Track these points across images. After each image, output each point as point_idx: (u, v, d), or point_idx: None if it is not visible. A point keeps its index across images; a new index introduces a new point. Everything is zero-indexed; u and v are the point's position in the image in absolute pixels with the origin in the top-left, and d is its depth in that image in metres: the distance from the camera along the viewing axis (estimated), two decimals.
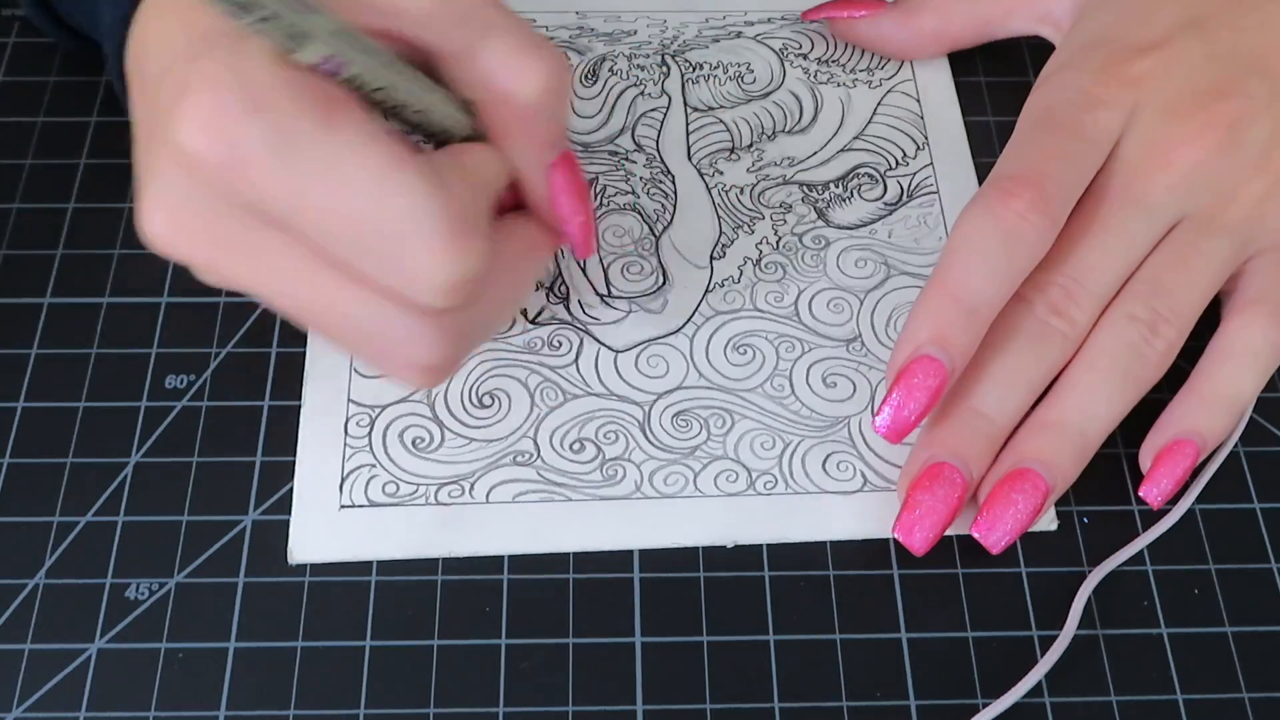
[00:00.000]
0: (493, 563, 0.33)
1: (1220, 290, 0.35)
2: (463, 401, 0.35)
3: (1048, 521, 0.35)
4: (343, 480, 0.34)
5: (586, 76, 0.42)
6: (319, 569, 0.33)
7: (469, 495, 0.34)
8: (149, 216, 0.28)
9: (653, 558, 0.34)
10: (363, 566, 0.33)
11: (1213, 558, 0.34)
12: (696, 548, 0.34)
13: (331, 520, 0.33)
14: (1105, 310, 0.34)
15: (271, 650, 0.32)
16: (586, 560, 0.34)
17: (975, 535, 0.33)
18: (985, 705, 0.32)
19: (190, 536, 0.34)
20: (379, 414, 0.35)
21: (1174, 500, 0.35)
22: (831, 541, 0.34)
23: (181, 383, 0.36)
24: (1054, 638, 0.33)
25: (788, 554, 0.34)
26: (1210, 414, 0.34)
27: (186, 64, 0.27)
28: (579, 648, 0.32)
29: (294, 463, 0.35)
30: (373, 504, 0.34)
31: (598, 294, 0.37)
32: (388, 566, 0.33)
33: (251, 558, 0.33)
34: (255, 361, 0.36)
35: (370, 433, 0.35)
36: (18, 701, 0.31)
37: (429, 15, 0.29)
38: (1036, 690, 0.32)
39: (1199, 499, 0.35)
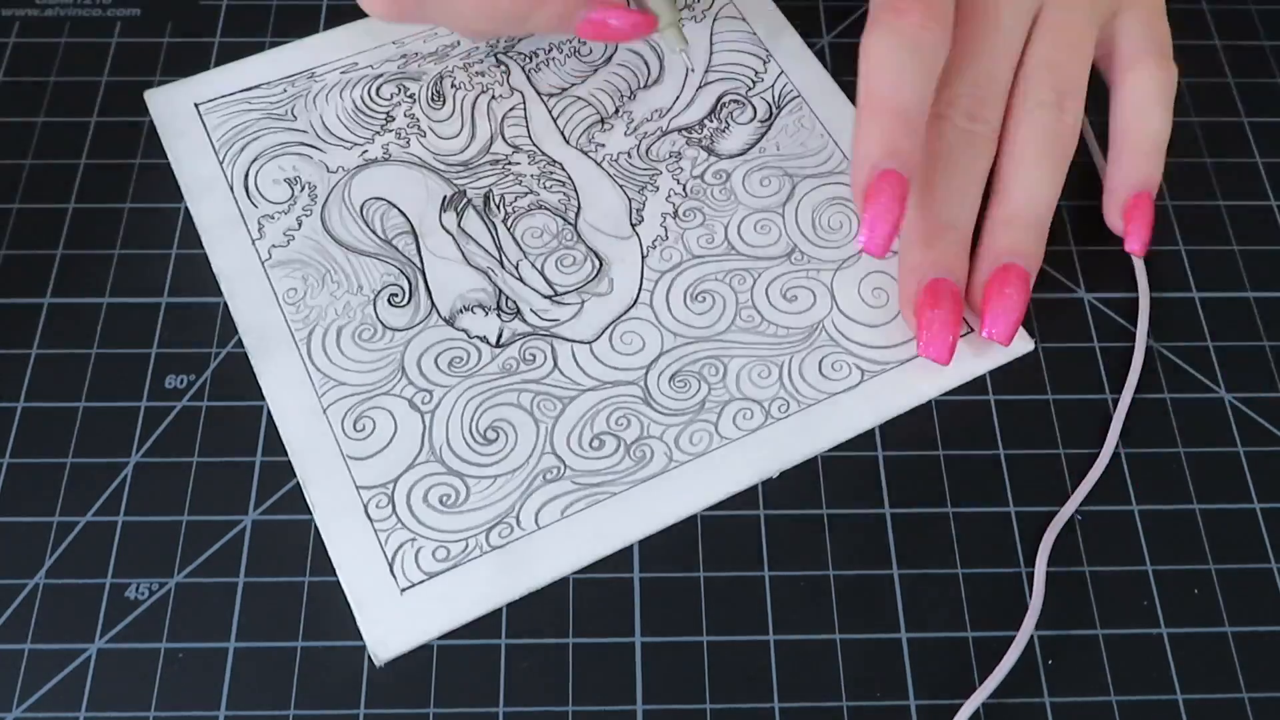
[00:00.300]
0: None
1: (1097, 61, 0.39)
2: (468, 444, 0.35)
3: (1023, 344, 0.37)
4: (390, 564, 0.33)
5: (433, 99, 0.41)
6: (318, 569, 0.33)
7: (519, 528, 0.34)
8: None
9: (651, 558, 0.34)
10: None
11: (1213, 558, 0.34)
12: (749, 489, 0.35)
13: (398, 608, 0.32)
14: (1012, 101, 0.38)
15: (271, 650, 0.32)
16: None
17: (987, 335, 0.36)
18: (984, 706, 0.32)
19: (190, 536, 0.34)
20: (394, 488, 0.34)
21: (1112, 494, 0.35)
22: (832, 538, 0.34)
23: (181, 383, 0.36)
24: (1055, 637, 0.33)
25: (788, 553, 0.34)
26: (1149, 162, 0.38)
27: None
28: (579, 648, 0.32)
29: (294, 462, 0.35)
30: (430, 575, 0.33)
31: (545, 297, 0.37)
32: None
33: (251, 558, 0.33)
34: None
35: (394, 509, 0.34)
36: (18, 701, 0.31)
37: None
38: (1036, 690, 0.32)
39: (1198, 499, 0.35)
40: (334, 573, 0.33)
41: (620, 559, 0.34)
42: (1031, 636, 0.33)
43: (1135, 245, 0.38)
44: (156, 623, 0.32)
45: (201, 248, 0.38)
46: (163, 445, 0.35)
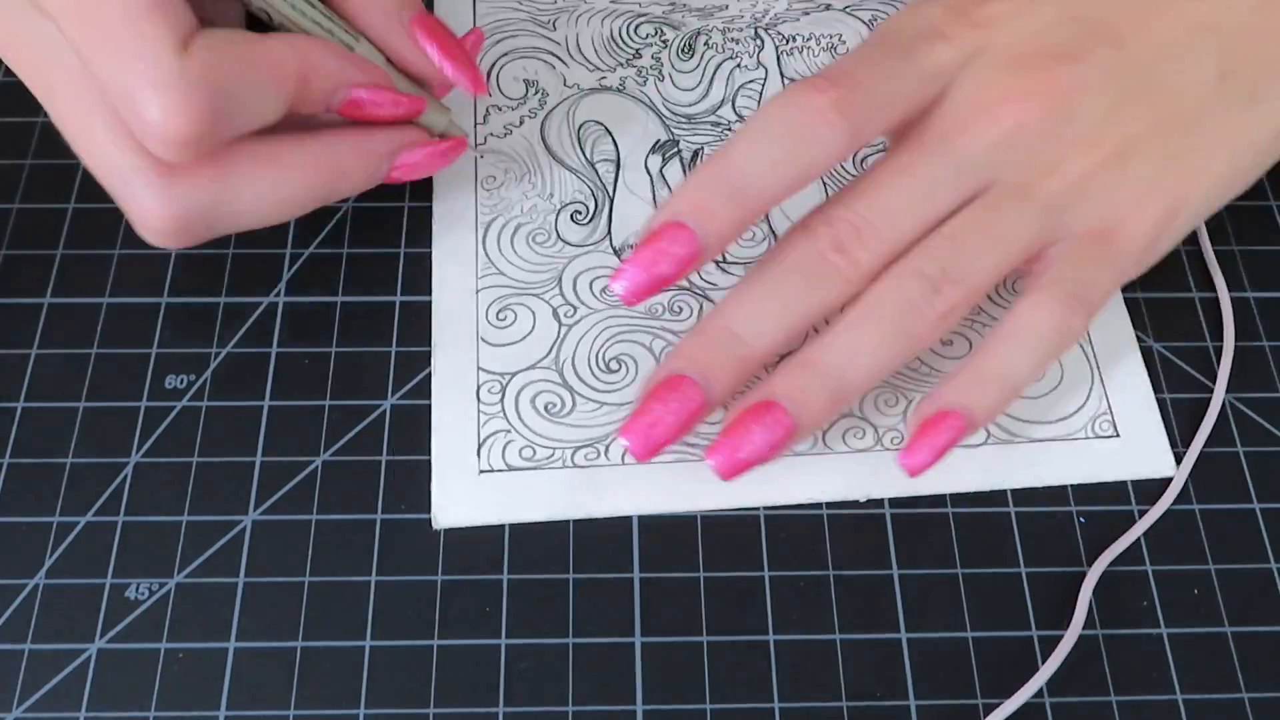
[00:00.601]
0: (492, 563, 0.33)
1: (1021, 268, 0.34)
2: (590, 367, 0.36)
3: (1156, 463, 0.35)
4: (480, 446, 0.35)
5: (683, 50, 0.43)
6: (318, 569, 0.33)
7: (604, 458, 0.35)
8: None
9: (651, 557, 0.34)
10: (364, 565, 0.33)
11: (1213, 558, 0.34)
12: (821, 504, 0.35)
13: (472, 485, 0.34)
14: (899, 259, 0.33)
15: (271, 650, 0.32)
16: (587, 561, 0.34)
17: (706, 460, 0.32)
18: (985, 705, 0.32)
19: (190, 536, 0.34)
20: (509, 380, 0.36)
21: (1187, 500, 0.35)
22: (832, 538, 0.34)
23: (181, 383, 0.36)
24: (1054, 637, 0.33)
25: (788, 553, 0.34)
26: (982, 391, 0.33)
27: None
28: (579, 648, 0.32)
29: (295, 461, 0.35)
30: (511, 468, 0.34)
31: (713, 261, 0.38)
32: (387, 565, 0.33)
33: (251, 558, 0.33)
34: (255, 361, 0.36)
35: (503, 399, 0.36)
36: (18, 701, 0.31)
37: None
38: (1037, 690, 0.32)
39: (1198, 499, 0.35)
40: (333, 572, 0.33)
41: (620, 559, 0.34)
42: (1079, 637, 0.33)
43: (907, 461, 0.32)
44: (156, 623, 0.32)
45: (201, 248, 0.38)
46: (163, 445, 0.35)
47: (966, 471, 0.35)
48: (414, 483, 0.35)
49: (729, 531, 0.34)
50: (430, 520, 0.34)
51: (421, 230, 0.39)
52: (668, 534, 0.34)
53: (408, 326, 0.37)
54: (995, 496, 0.35)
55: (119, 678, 0.32)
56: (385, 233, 0.39)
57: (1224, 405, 0.37)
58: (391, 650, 0.32)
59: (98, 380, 0.36)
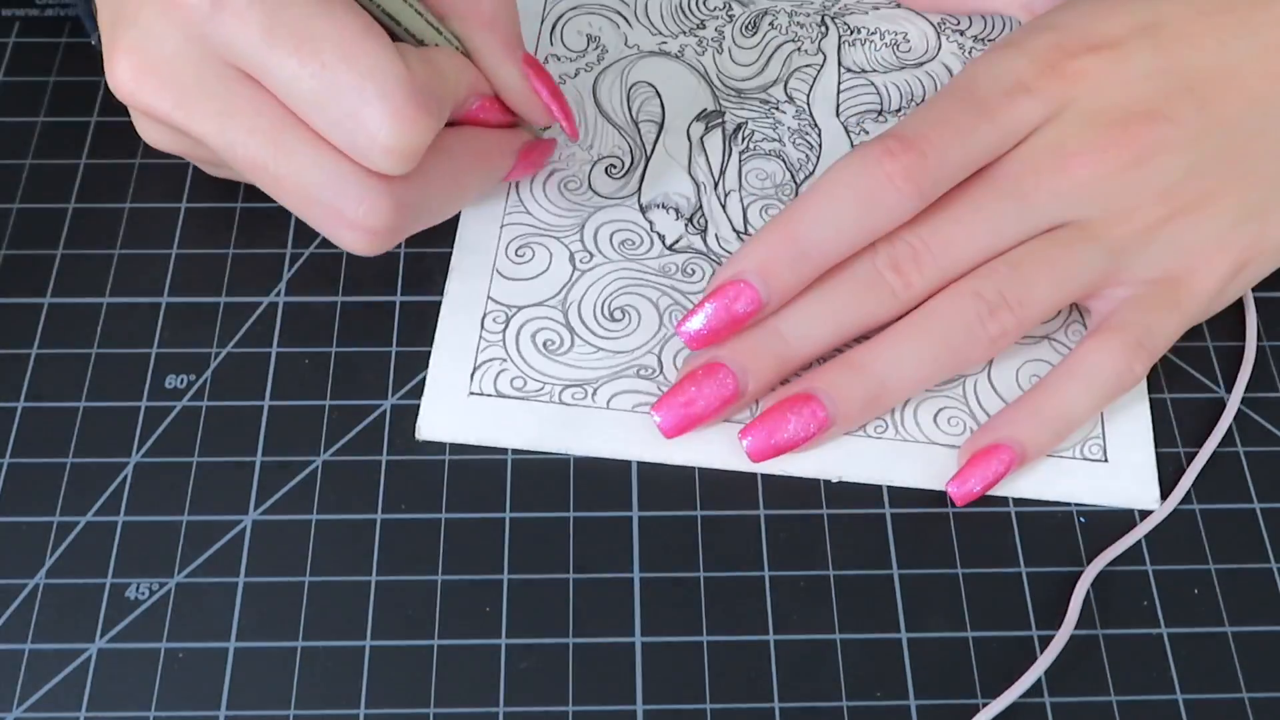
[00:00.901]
0: (492, 563, 0.33)
1: (1085, 305, 0.35)
2: (595, 313, 0.37)
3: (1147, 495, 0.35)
4: (474, 369, 0.36)
5: (747, 28, 0.43)
6: (318, 569, 0.33)
7: (591, 399, 0.35)
8: (120, 62, 0.31)
9: (651, 558, 0.34)
10: (364, 565, 0.33)
11: (1213, 558, 0.34)
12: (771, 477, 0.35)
13: (460, 404, 0.35)
14: (960, 278, 0.34)
15: (271, 650, 0.32)
16: (587, 561, 0.34)
17: (740, 439, 0.34)
18: (985, 705, 0.32)
19: (190, 536, 0.34)
20: (515, 313, 0.37)
21: (1187, 498, 0.35)
22: (832, 538, 0.34)
23: (181, 383, 0.36)
24: (1054, 637, 0.32)
25: (787, 553, 0.34)
26: (1037, 428, 0.33)
27: None
28: (579, 648, 0.32)
29: (295, 461, 0.35)
30: (500, 394, 0.35)
31: (735, 231, 0.38)
32: (387, 565, 0.33)
33: (252, 558, 0.33)
34: (255, 361, 0.36)
35: (505, 330, 0.37)
36: (18, 701, 0.31)
37: None
38: (1036, 690, 0.32)
39: (1199, 499, 0.35)
40: (333, 572, 0.33)
41: (621, 558, 0.34)
42: (1071, 637, 0.32)
43: (957, 490, 0.33)
44: (156, 623, 0.32)
45: (201, 248, 0.38)
46: (163, 445, 0.35)
47: (940, 469, 0.35)
48: (414, 483, 0.35)
49: (729, 531, 0.34)
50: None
51: (423, 232, 0.39)
52: (668, 532, 0.34)
53: (408, 326, 0.37)
54: (995, 497, 0.35)
55: (119, 678, 0.32)
56: None
57: (1230, 407, 0.36)
58: (391, 650, 0.32)
59: (98, 380, 0.36)
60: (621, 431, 0.35)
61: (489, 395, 0.35)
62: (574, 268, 0.38)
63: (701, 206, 0.39)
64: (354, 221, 0.32)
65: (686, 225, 0.39)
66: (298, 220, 0.39)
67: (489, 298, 0.37)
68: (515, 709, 0.32)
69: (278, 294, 0.38)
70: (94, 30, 0.38)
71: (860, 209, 0.32)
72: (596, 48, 0.42)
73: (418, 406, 0.36)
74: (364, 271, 0.38)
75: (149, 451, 0.35)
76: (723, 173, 0.40)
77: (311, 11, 0.29)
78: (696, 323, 0.33)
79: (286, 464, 0.35)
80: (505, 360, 0.36)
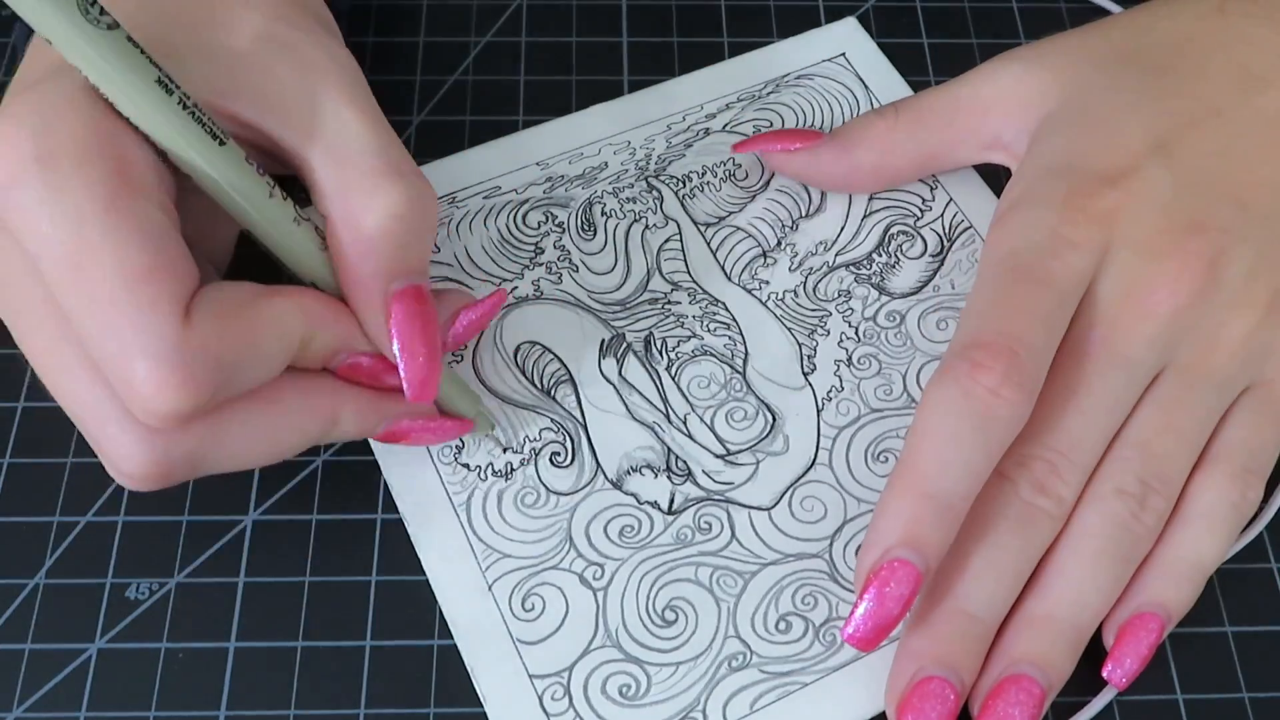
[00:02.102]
0: None
1: None
2: (645, 626, 0.32)
3: None
4: None
5: (583, 228, 0.38)
6: (318, 569, 0.33)
7: None
8: None
9: None
10: (364, 565, 0.33)
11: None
12: None
13: None
14: (1091, 480, 0.32)
15: (271, 650, 0.32)
16: None
17: None
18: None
19: (190, 536, 0.34)
20: (569, 677, 0.31)
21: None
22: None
23: None
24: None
25: None
26: (1174, 583, 0.31)
27: (13, 92, 0.27)
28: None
29: (294, 462, 0.35)
30: None
31: (716, 456, 0.35)
32: (387, 565, 0.33)
33: (251, 558, 0.33)
34: None
35: (571, 702, 0.31)
36: (18, 701, 0.31)
37: (294, 118, 0.29)
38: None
39: None
40: (333, 572, 0.33)
41: None
42: None
43: (1115, 674, 0.31)
44: (156, 623, 0.32)
45: None
46: None
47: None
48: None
49: None
50: None
51: None
52: None
53: None
54: None
55: (119, 678, 0.32)
56: None
57: None
58: (391, 650, 0.32)
59: None
60: None
61: None
62: (592, 589, 0.33)
63: (670, 448, 0.35)
64: (110, 461, 0.29)
65: (670, 477, 0.34)
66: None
67: (530, 676, 0.31)
68: None
69: None
70: None
71: (980, 436, 0.30)
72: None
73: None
74: None
75: None
76: (665, 400, 0.35)
77: (97, 237, 0.26)
78: (861, 623, 0.29)
79: (286, 464, 0.35)
80: None
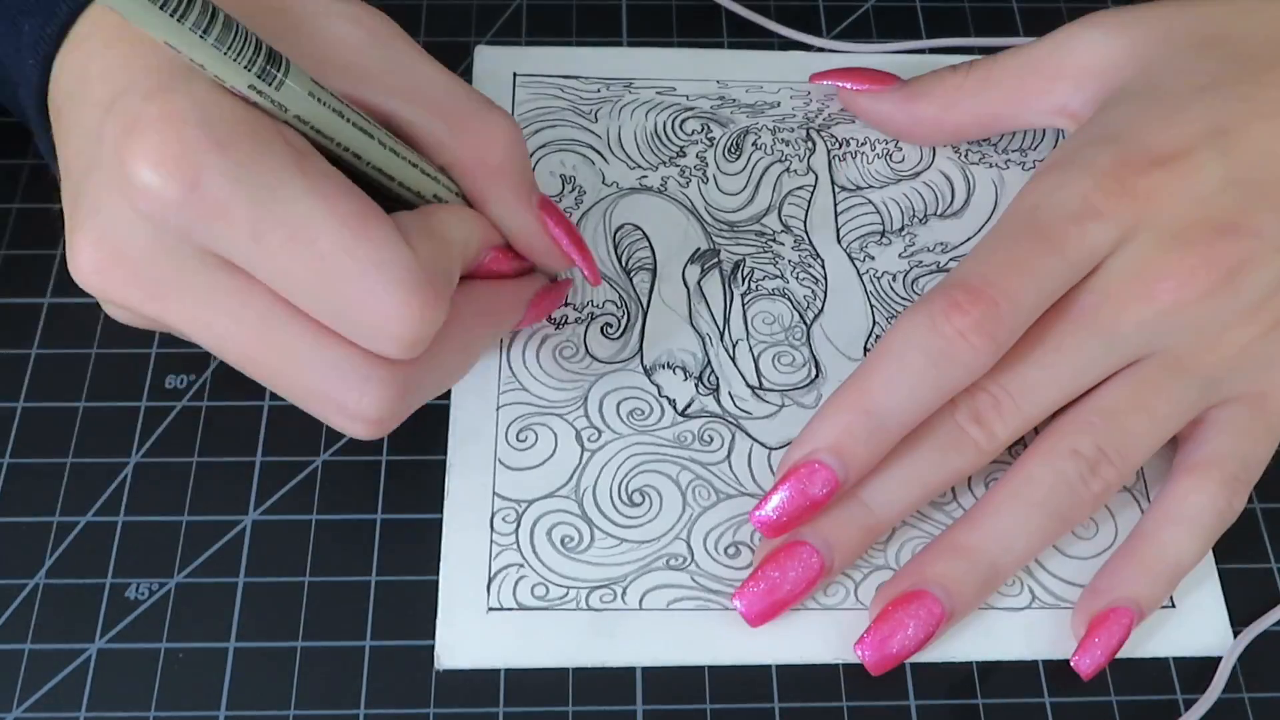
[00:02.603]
0: None
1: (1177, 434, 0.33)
2: (612, 499, 0.34)
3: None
4: (490, 580, 0.32)
5: (730, 150, 0.40)
6: (318, 569, 0.33)
7: (621, 600, 0.32)
8: (83, 252, 0.28)
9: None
10: (364, 565, 0.33)
11: (1215, 557, 0.34)
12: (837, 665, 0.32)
13: (480, 623, 0.32)
14: (1049, 432, 0.32)
15: (271, 650, 0.32)
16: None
17: (857, 653, 0.31)
18: (984, 706, 0.32)
19: (190, 536, 0.34)
20: (525, 509, 0.33)
21: None
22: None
23: (181, 383, 0.36)
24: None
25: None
26: (1149, 582, 0.31)
27: (142, 98, 0.26)
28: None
29: (295, 461, 0.35)
30: (522, 607, 0.32)
31: (749, 385, 0.36)
32: (387, 565, 0.33)
33: (251, 558, 0.33)
34: None
35: (517, 529, 0.33)
36: (18, 701, 0.31)
37: (393, 86, 0.30)
38: (1038, 692, 0.32)
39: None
40: (333, 572, 0.33)
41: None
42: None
43: (1083, 663, 0.31)
44: (156, 623, 0.32)
45: None
46: (163, 445, 0.35)
47: (1006, 637, 0.32)
48: (413, 483, 0.35)
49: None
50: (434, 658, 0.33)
51: None
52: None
53: None
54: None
55: (119, 678, 0.32)
56: None
57: None
58: (391, 650, 0.32)
59: (98, 380, 0.36)
60: (659, 635, 0.32)
61: (510, 609, 0.32)
62: (583, 448, 0.34)
63: (710, 362, 0.36)
64: (356, 413, 0.29)
65: (697, 385, 0.36)
66: None
67: (495, 494, 0.34)
68: (515, 709, 0.32)
69: None
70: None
71: (934, 371, 0.30)
72: (573, 189, 0.39)
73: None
74: None
75: (149, 451, 0.35)
76: (727, 321, 0.37)
77: (298, 199, 0.26)
78: (771, 509, 0.31)
79: (286, 464, 0.35)
80: (523, 565, 0.33)
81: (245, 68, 0.26)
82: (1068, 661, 0.32)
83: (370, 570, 0.33)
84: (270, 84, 0.27)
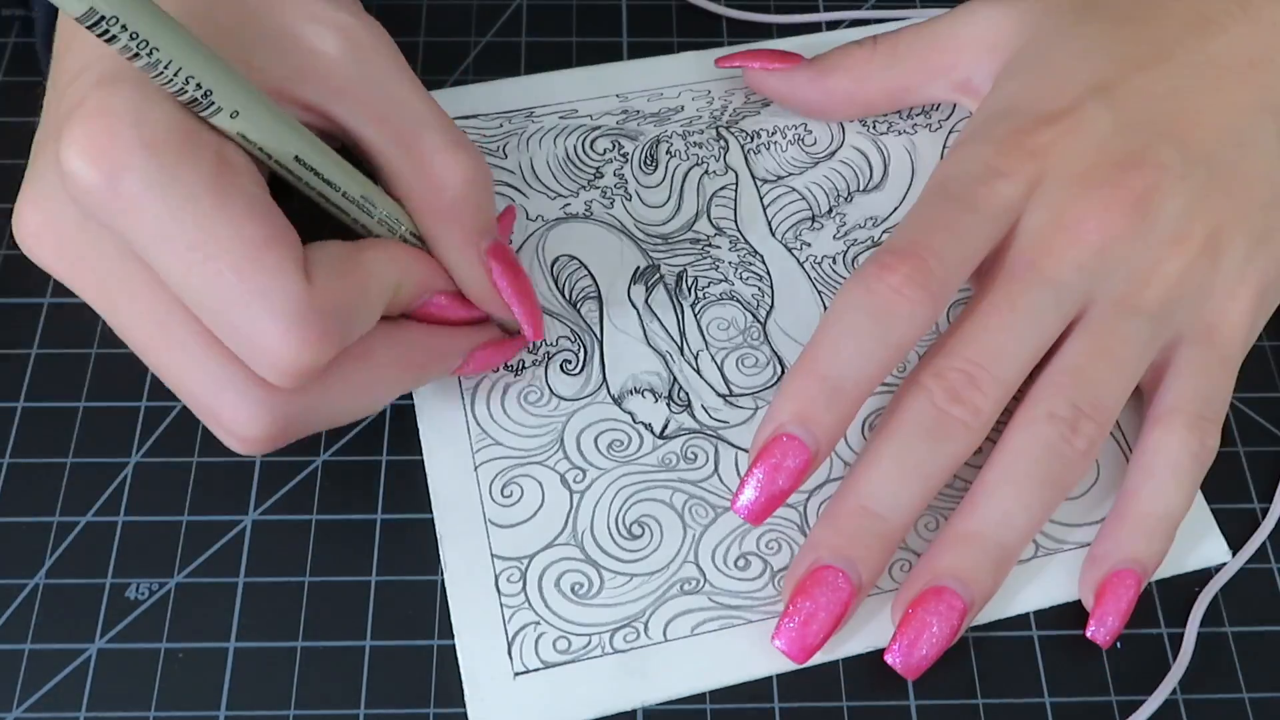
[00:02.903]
0: None
1: (1141, 381, 0.33)
2: (611, 535, 0.33)
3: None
4: (510, 644, 0.32)
5: (645, 162, 0.40)
6: (318, 569, 0.33)
7: (645, 636, 0.32)
8: (24, 212, 0.29)
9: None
10: (364, 565, 0.33)
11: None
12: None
13: (509, 690, 0.31)
14: (1022, 403, 0.32)
15: (271, 650, 0.32)
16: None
17: (889, 661, 0.31)
18: (984, 706, 0.32)
19: (190, 536, 0.34)
20: (528, 565, 0.33)
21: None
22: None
23: None
24: (1041, 637, 0.32)
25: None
26: (1145, 538, 0.32)
27: (94, 83, 0.27)
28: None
29: (294, 461, 0.35)
30: (547, 665, 0.32)
31: (719, 394, 0.36)
32: (387, 565, 0.33)
33: (251, 558, 0.33)
34: None
35: (524, 587, 0.33)
36: (18, 701, 0.31)
37: (363, 104, 0.30)
38: (1039, 690, 0.32)
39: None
40: (333, 572, 0.33)
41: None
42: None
43: (1099, 632, 0.32)
44: (156, 623, 0.32)
45: None
46: (163, 445, 0.35)
47: (1020, 591, 0.33)
48: (413, 482, 0.35)
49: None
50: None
51: None
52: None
53: None
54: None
55: (119, 678, 0.32)
56: None
57: None
58: (391, 650, 0.32)
59: (98, 380, 0.36)
60: (690, 662, 0.32)
61: (536, 670, 0.31)
62: (570, 491, 0.34)
63: (676, 379, 0.36)
64: (230, 428, 0.29)
65: (669, 404, 0.35)
66: (297, 221, 0.39)
67: (493, 556, 0.33)
68: None
69: None
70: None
71: (877, 328, 0.30)
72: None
73: (415, 407, 0.36)
74: None
75: (149, 451, 0.35)
76: (683, 334, 0.37)
77: (210, 212, 0.26)
78: (749, 494, 0.30)
79: (286, 464, 0.35)
80: (539, 622, 0.32)
81: (175, 93, 0.26)
82: (1078, 635, 0.32)
83: (370, 570, 0.33)
84: (200, 112, 0.27)
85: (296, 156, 0.29)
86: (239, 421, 0.29)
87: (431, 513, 0.34)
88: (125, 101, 0.26)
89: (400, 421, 0.35)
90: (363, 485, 0.35)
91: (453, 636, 0.32)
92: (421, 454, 0.35)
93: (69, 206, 0.28)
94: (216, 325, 0.27)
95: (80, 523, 0.34)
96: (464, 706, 0.31)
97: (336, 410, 0.31)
